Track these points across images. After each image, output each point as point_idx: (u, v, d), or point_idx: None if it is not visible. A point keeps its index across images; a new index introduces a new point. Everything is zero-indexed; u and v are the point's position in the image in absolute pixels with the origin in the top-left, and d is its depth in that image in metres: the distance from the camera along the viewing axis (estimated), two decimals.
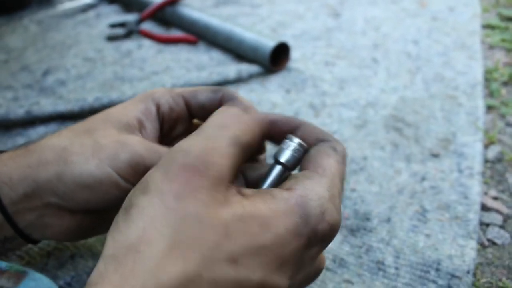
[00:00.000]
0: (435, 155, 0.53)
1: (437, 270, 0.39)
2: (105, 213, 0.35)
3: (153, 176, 0.24)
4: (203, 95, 0.37)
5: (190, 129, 0.40)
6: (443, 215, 0.45)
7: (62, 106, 0.61)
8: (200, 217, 0.22)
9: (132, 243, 0.21)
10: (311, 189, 0.25)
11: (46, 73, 0.75)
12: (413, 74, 0.72)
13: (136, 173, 0.32)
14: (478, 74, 0.71)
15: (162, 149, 0.33)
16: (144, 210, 0.22)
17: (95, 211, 0.33)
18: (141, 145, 0.32)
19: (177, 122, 0.38)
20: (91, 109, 0.62)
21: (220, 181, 0.24)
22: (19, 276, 0.16)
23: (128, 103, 0.36)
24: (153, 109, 0.36)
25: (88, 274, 0.39)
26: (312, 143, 0.30)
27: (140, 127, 0.35)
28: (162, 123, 0.37)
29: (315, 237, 0.25)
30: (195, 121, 0.40)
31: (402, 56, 0.78)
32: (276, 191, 0.25)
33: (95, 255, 0.41)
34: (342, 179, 0.28)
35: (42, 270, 0.39)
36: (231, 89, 0.38)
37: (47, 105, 0.62)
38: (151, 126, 0.36)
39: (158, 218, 0.22)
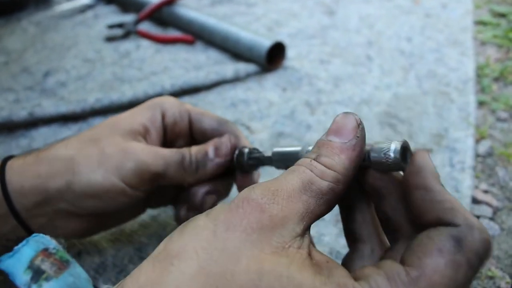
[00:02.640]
0: (428, 151, 0.55)
1: None
2: (112, 214, 0.37)
3: (222, 204, 0.24)
4: (208, 123, 0.38)
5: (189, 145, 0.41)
6: None
7: (63, 107, 0.63)
8: (240, 256, 0.21)
9: (171, 254, 0.21)
10: None
11: (46, 74, 0.76)
12: (406, 71, 0.74)
13: (142, 180, 0.34)
14: (470, 70, 0.73)
15: (166, 152, 0.34)
16: (195, 229, 0.22)
17: (103, 214, 0.35)
18: (145, 152, 0.34)
19: (178, 137, 0.39)
20: (92, 110, 0.63)
21: (283, 224, 0.22)
22: (62, 266, 0.17)
23: (136, 109, 0.37)
24: (159, 117, 0.37)
25: (95, 269, 0.41)
26: (427, 219, 0.22)
27: (145, 133, 0.36)
28: (165, 133, 0.38)
29: None
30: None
31: (395, 53, 0.80)
32: (340, 272, 0.21)
33: (101, 252, 0.42)
34: None
35: None
36: (235, 125, 0.39)
37: (49, 107, 0.63)
38: (156, 133, 0.37)
39: (202, 240, 0.21)
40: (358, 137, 0.24)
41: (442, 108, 0.63)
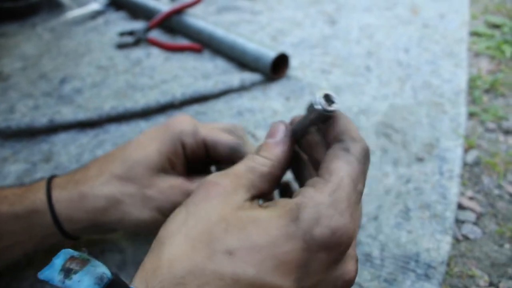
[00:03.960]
0: (420, 159, 0.60)
1: (416, 261, 0.45)
2: None
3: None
4: (222, 151, 0.41)
5: (206, 168, 0.46)
6: (424, 213, 0.51)
7: (81, 115, 0.67)
8: (209, 215, 0.27)
9: (161, 237, 0.28)
10: (310, 197, 0.27)
11: (62, 81, 0.81)
12: (403, 82, 0.78)
13: None
14: (462, 81, 0.77)
15: (192, 187, 0.40)
16: (174, 216, 0.29)
17: None
18: (179, 192, 0.39)
19: (196, 161, 0.43)
20: (108, 117, 0.68)
21: (234, 192, 0.29)
22: (84, 262, 0.23)
23: (160, 143, 0.40)
24: (181, 151, 0.41)
25: (117, 265, 0.45)
26: (331, 144, 0.31)
27: (172, 166, 0.41)
28: (186, 159, 0.43)
29: (314, 242, 0.26)
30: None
31: (393, 64, 0.84)
32: (281, 200, 0.29)
33: (121, 250, 0.47)
34: (357, 180, 0.28)
35: None
36: (248, 146, 0.42)
37: (68, 114, 0.68)
38: (180, 164, 0.42)
39: (179, 220, 0.28)
40: (285, 135, 0.34)
41: (435, 119, 0.68)
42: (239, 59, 0.83)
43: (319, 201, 0.27)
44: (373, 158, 0.60)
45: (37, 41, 0.99)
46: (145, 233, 0.41)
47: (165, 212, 0.38)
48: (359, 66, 0.84)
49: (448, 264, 0.46)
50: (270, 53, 0.77)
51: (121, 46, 0.95)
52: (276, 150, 0.33)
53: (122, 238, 0.48)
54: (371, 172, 0.58)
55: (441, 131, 0.65)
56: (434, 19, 1.03)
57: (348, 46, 0.91)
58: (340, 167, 0.28)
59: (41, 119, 0.66)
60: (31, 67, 0.87)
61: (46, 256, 0.23)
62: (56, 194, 0.38)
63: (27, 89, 0.79)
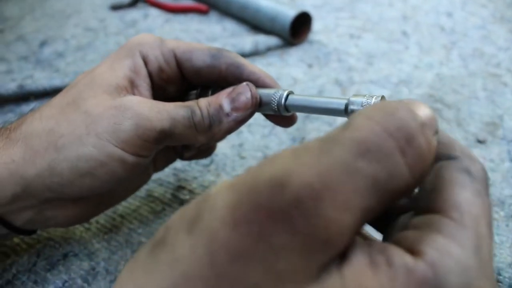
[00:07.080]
0: (482, 142, 0.47)
1: (497, 281, 0.32)
2: (112, 191, 0.31)
3: (214, 200, 0.15)
4: (200, 60, 0.30)
5: (183, 90, 0.33)
6: (497, 213, 0.38)
7: (58, 80, 0.55)
8: None
9: None
10: (448, 253, 0.15)
11: (43, 44, 0.69)
12: (448, 49, 0.65)
13: (144, 142, 0.27)
14: None
15: (170, 106, 0.27)
16: (180, 261, 0.14)
17: (101, 193, 0.29)
18: (144, 106, 0.26)
19: (168, 83, 0.32)
20: None
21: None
22: None
23: (113, 59, 0.29)
24: (142, 64, 0.30)
25: (83, 277, 0.33)
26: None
27: (132, 88, 0.29)
28: (152, 82, 0.31)
29: None
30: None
31: (435, 29, 0.71)
32: (394, 252, 0.15)
33: (92, 254, 0.35)
34: (490, 224, 0.17)
35: (30, 271, 0.34)
36: (232, 53, 0.31)
37: (41, 79, 0.55)
38: (145, 84, 0.30)
39: (198, 278, 0.14)
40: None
41: (493, 93, 0.55)
42: (252, 21, 0.70)
43: (465, 264, 0.15)
44: None
45: (20, 1, 0.86)
46: (91, 188, 0.27)
47: (123, 140, 0.26)
48: (394, 31, 0.70)
49: None
50: (289, 12, 0.64)
51: (116, 8, 0.82)
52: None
53: (93, 237, 0.36)
54: None
55: (503, 107, 0.52)
56: None
57: (379, 9, 0.78)
58: (471, 202, 0.17)
59: (9, 85, 0.54)
60: (9, 29, 0.75)
61: None
62: None
63: (1, 52, 0.67)
